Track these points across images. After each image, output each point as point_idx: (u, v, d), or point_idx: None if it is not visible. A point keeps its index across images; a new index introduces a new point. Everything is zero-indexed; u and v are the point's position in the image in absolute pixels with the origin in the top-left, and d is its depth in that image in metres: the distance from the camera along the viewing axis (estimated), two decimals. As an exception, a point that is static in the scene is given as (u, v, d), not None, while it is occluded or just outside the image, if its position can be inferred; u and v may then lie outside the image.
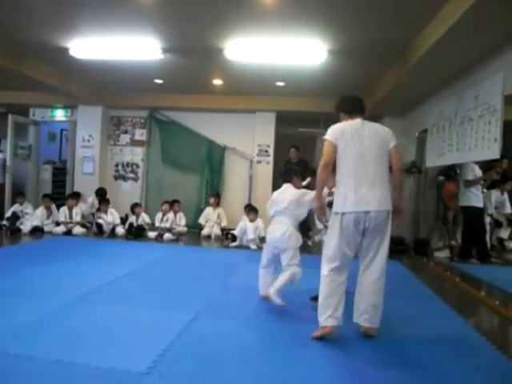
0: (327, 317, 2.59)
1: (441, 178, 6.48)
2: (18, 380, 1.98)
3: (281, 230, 3.22)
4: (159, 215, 6.83)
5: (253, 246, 6.10)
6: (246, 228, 6.22)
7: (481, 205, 5.37)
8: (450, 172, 6.21)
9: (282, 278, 3.19)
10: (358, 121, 2.72)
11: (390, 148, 2.68)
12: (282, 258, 3.25)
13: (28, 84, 6.53)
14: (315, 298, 2.90)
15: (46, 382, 1.97)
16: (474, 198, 5.33)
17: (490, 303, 3.61)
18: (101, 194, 7.33)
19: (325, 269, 2.65)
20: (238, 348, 2.45)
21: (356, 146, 2.62)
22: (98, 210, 6.84)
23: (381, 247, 2.64)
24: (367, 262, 2.68)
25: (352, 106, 2.84)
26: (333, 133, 2.68)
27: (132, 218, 6.79)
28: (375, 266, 2.65)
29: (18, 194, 7.10)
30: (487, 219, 5.83)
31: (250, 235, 6.14)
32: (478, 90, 4.28)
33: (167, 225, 6.70)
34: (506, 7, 3.13)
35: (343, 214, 2.59)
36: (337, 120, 2.87)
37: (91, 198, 7.46)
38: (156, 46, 5.01)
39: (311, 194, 3.19)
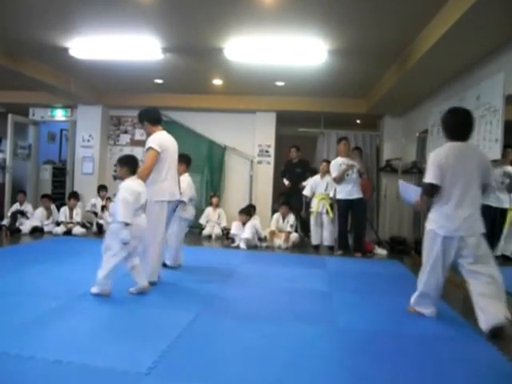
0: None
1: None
2: (18, 380, 1.97)
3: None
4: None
5: (242, 246, 6.03)
6: (245, 227, 6.20)
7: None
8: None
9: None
10: None
11: None
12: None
13: (28, 84, 6.53)
14: None
15: (45, 382, 1.96)
16: None
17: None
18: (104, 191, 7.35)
19: None
20: (239, 348, 2.44)
21: None
22: (104, 207, 6.82)
23: None
24: None
25: None
26: None
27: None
28: None
29: (19, 192, 7.08)
30: None
31: (244, 234, 6.09)
32: (478, 90, 4.27)
33: None
34: (506, 7, 3.13)
35: None
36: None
37: (93, 199, 7.46)
38: (156, 45, 5.00)
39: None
